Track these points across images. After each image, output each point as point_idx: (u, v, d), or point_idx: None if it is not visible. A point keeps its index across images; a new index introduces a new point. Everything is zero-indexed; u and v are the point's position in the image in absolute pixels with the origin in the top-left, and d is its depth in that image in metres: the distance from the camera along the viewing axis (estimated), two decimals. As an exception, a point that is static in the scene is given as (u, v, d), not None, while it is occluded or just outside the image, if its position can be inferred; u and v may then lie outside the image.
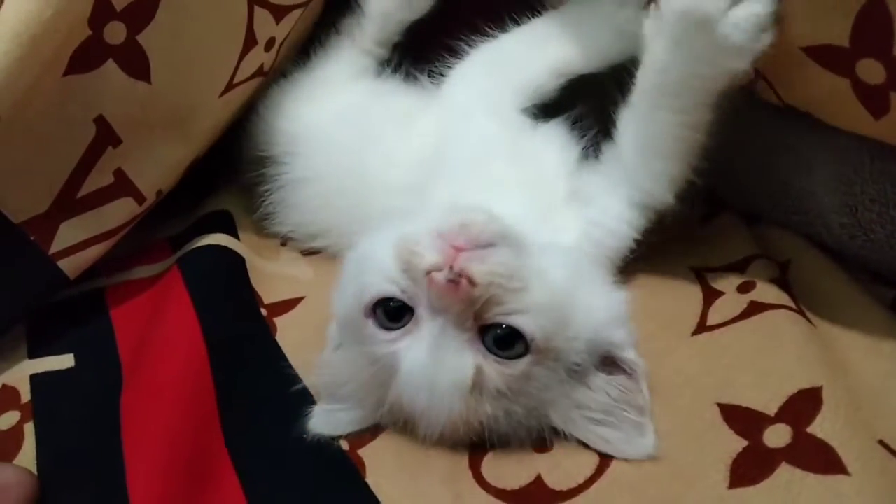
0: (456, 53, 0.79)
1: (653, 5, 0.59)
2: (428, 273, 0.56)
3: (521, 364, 0.57)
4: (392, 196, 0.74)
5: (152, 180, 0.78)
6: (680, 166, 0.65)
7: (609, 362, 0.61)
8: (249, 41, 0.78)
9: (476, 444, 0.61)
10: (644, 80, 0.63)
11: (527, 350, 0.57)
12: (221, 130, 0.85)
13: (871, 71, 0.53)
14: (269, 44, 0.81)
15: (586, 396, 0.60)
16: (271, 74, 0.87)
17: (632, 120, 0.66)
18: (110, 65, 0.68)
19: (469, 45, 0.78)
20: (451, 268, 0.56)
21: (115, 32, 0.67)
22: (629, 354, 0.61)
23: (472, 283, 0.56)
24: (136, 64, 0.69)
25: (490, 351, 0.57)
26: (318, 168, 0.82)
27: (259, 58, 0.81)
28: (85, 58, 0.66)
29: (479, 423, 0.58)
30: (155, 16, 0.68)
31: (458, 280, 0.55)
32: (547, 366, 0.58)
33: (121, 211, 0.77)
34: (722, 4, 0.55)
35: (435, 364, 0.57)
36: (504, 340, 0.57)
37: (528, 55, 0.74)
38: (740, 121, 0.64)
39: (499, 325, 0.57)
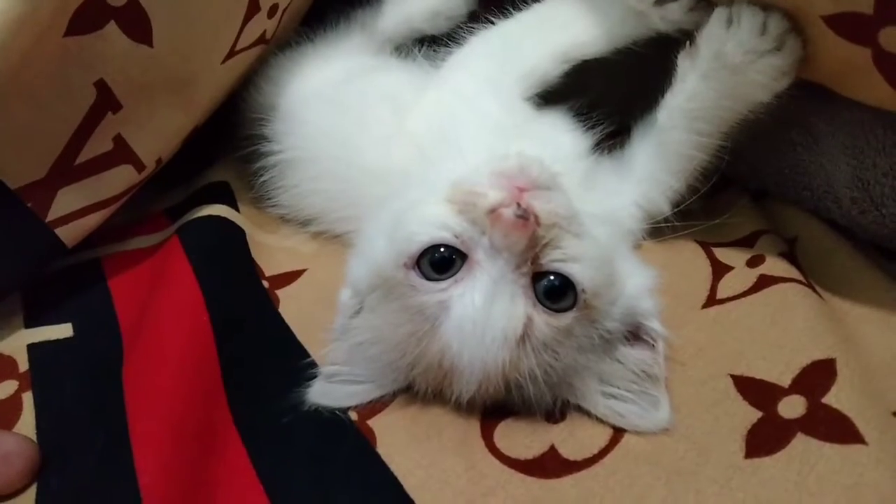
0: (455, 39, 0.77)
1: (688, 42, 0.66)
2: (492, 211, 0.56)
3: (568, 317, 0.57)
4: (386, 180, 0.72)
5: (152, 148, 0.76)
6: (682, 182, 0.72)
7: (633, 335, 0.61)
8: (252, 7, 0.76)
9: (489, 414, 0.61)
10: (672, 101, 0.68)
11: (574, 303, 0.57)
12: (222, 99, 0.83)
13: (895, 39, 0.53)
14: (272, 10, 0.80)
15: (611, 368, 0.60)
16: (273, 43, 0.85)
17: (651, 134, 0.72)
18: (111, 27, 0.66)
19: (468, 32, 0.76)
20: (518, 205, 0.56)
21: (118, -7, 0.65)
22: (655, 324, 0.61)
23: (537, 221, 0.56)
24: (137, 26, 0.67)
25: (540, 301, 0.57)
26: (309, 148, 0.80)
27: (262, 24, 0.79)
28: (86, 19, 0.64)
29: (516, 379, 0.57)
30: (158, -23, 0.66)
31: (526, 216, 0.55)
32: (585, 326, 0.58)
33: (120, 179, 0.75)
34: (749, 57, 0.61)
35: (488, 310, 0.56)
36: (555, 291, 0.57)
37: (532, 40, 0.73)
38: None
39: (550, 275, 0.57)
